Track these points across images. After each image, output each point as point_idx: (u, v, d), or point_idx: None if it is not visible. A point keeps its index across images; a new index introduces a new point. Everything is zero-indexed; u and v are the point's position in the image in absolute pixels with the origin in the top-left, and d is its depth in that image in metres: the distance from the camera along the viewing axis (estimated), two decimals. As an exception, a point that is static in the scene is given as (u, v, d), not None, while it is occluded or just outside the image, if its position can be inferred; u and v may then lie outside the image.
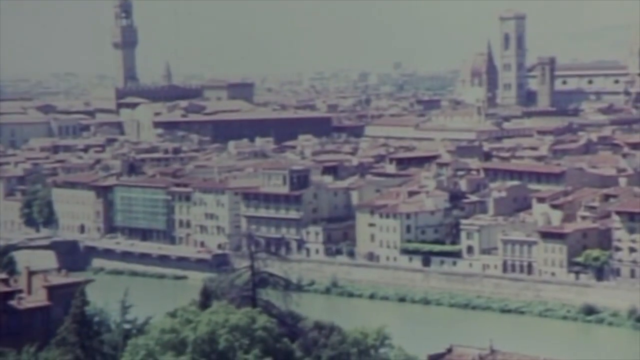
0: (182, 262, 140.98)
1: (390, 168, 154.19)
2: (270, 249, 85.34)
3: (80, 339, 56.04)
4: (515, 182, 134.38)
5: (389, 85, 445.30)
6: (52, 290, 64.91)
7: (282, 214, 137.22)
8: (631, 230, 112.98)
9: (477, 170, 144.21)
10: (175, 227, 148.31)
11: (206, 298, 59.49)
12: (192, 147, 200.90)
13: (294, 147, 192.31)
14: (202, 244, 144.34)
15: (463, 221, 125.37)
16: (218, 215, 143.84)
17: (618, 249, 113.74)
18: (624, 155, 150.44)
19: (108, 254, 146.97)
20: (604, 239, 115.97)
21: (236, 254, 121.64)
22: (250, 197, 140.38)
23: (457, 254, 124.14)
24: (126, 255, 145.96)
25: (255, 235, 74.25)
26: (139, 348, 53.18)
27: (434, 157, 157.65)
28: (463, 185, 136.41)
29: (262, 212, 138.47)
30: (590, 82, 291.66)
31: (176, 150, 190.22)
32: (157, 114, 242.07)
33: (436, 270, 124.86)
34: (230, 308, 55.48)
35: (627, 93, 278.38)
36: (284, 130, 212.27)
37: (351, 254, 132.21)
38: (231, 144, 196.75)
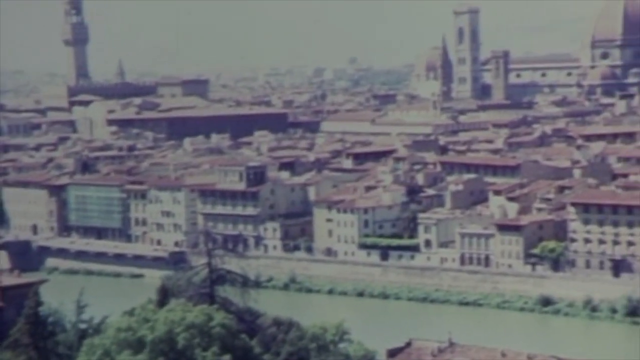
0: (138, 260, 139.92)
1: (347, 163, 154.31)
2: (228, 246, 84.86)
3: (34, 340, 55.28)
4: (472, 175, 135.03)
5: (344, 80, 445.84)
6: (4, 291, 63.86)
7: (239, 210, 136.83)
8: (586, 222, 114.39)
9: (434, 164, 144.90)
10: (131, 225, 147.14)
11: (163, 296, 59.02)
12: (147, 145, 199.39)
13: (250, 144, 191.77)
14: (159, 242, 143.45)
15: (420, 215, 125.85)
16: (174, 213, 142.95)
17: (573, 240, 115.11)
18: (578, 147, 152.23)
19: (62, 253, 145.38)
20: (560, 231, 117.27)
21: (193, 252, 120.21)
22: (207, 194, 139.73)
23: (414, 248, 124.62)
24: (81, 255, 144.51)
25: (213, 232, 73.80)
26: (95, 348, 52.61)
27: (391, 152, 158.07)
28: (420, 179, 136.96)
29: (219, 209, 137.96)
30: (543, 75, 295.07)
31: (131, 148, 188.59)
32: (110, 111, 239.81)
33: (394, 264, 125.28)
34: (188, 306, 55.13)
35: (579, 85, 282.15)
36: (240, 127, 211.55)
37: (309, 250, 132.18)
38: (187, 141, 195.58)
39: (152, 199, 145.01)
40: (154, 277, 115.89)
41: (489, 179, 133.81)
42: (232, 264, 66.48)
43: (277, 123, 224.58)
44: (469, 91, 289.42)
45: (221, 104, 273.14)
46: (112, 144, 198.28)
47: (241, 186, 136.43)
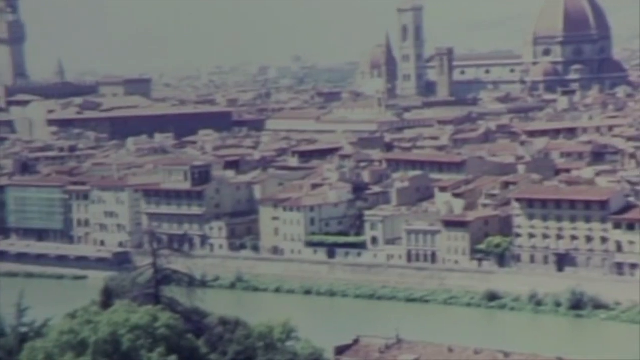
0: (81, 261, 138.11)
1: (293, 161, 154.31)
2: (173, 246, 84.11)
3: (-27, 345, 54.03)
4: (417, 172, 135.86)
5: (288, 78, 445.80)
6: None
7: (184, 210, 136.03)
8: (530, 217, 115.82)
9: (380, 162, 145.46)
10: (74, 226, 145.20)
11: (107, 297, 58.15)
12: (89, 145, 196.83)
13: (194, 143, 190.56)
14: (103, 243, 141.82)
15: (367, 212, 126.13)
16: (118, 213, 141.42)
17: (518, 235, 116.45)
18: (522, 143, 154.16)
19: (1, 256, 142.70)
20: (505, 226, 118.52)
21: (138, 252, 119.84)
22: (151, 194, 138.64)
23: (361, 245, 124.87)
24: (21, 257, 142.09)
25: (157, 232, 72.96)
26: (37, 351, 51.67)
27: (336, 150, 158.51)
28: (366, 176, 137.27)
29: (164, 209, 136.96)
30: (487, 72, 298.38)
31: (72, 149, 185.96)
32: (50, 111, 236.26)
33: (341, 262, 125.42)
34: (132, 307, 54.41)
35: (522, 82, 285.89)
36: (184, 126, 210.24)
37: (255, 249, 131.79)
38: (130, 141, 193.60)
39: (94, 200, 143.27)
40: (98, 278, 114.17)
41: (435, 175, 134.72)
42: (177, 264, 65.83)
43: (222, 122, 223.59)
44: (413, 88, 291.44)
45: (164, 103, 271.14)
46: (52, 145, 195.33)
47: (186, 185, 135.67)
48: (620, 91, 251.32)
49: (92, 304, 57.54)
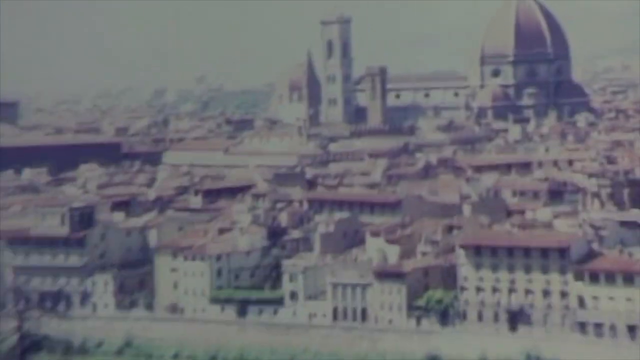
0: None
1: (196, 201, 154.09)
2: (45, 306, 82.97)
3: None
4: (345, 214, 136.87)
5: (190, 102, 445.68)
6: None
7: (60, 261, 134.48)
8: (478, 266, 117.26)
9: (300, 202, 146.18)
10: None
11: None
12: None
13: (74, 179, 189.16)
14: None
15: (285, 262, 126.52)
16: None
17: (463, 288, 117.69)
18: (468, 180, 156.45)
19: None
20: (448, 278, 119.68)
21: (0, 314, 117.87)
22: (19, 242, 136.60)
23: (278, 301, 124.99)
24: None
25: (25, 289, 71.68)
26: None
27: (248, 187, 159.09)
28: (283, 219, 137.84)
29: (35, 260, 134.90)
30: (427, 95, 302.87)
31: None
32: None
33: (254, 321, 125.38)
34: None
35: (468, 107, 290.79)
36: (61, 159, 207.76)
37: (149, 307, 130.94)
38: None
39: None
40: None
41: (365, 218, 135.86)
42: (50, 327, 64.69)
43: (109, 154, 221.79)
44: (340, 115, 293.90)
45: (37, 131, 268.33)
46: None
47: (63, 231, 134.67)
48: (581, 119, 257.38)
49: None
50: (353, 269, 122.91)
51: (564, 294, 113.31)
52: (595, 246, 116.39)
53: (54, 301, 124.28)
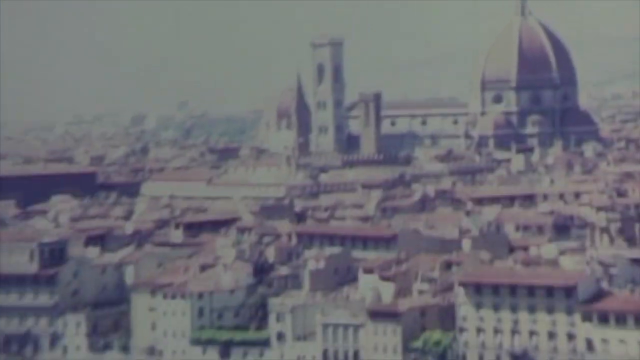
0: None
1: (176, 235, 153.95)
2: (10, 349, 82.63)
3: None
4: (336, 249, 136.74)
5: (172, 130, 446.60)
6: None
7: (28, 300, 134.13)
8: (478, 306, 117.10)
9: (288, 236, 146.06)
10: None
11: None
12: None
13: (45, 212, 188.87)
14: None
15: (271, 300, 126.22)
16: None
17: (463, 329, 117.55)
18: (468, 213, 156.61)
19: None
20: (447, 318, 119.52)
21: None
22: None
23: (264, 343, 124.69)
24: None
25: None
26: None
27: (233, 220, 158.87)
28: (270, 254, 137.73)
29: (0, 300, 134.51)
30: (424, 123, 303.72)
31: None
32: None
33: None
34: None
35: (468, 136, 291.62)
36: (31, 191, 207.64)
37: (125, 349, 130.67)
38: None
39: None
40: None
41: (358, 253, 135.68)
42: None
43: (83, 185, 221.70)
44: (331, 143, 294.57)
45: (4, 161, 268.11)
46: None
47: (32, 268, 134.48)
48: (589, 149, 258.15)
49: None
50: (345, 308, 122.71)
51: (570, 336, 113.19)
52: (604, 285, 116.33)
53: (21, 344, 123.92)
